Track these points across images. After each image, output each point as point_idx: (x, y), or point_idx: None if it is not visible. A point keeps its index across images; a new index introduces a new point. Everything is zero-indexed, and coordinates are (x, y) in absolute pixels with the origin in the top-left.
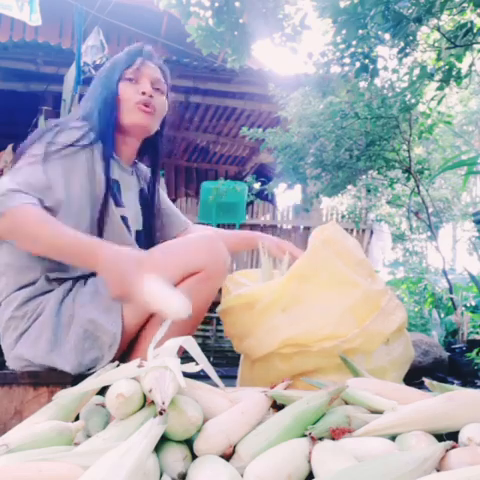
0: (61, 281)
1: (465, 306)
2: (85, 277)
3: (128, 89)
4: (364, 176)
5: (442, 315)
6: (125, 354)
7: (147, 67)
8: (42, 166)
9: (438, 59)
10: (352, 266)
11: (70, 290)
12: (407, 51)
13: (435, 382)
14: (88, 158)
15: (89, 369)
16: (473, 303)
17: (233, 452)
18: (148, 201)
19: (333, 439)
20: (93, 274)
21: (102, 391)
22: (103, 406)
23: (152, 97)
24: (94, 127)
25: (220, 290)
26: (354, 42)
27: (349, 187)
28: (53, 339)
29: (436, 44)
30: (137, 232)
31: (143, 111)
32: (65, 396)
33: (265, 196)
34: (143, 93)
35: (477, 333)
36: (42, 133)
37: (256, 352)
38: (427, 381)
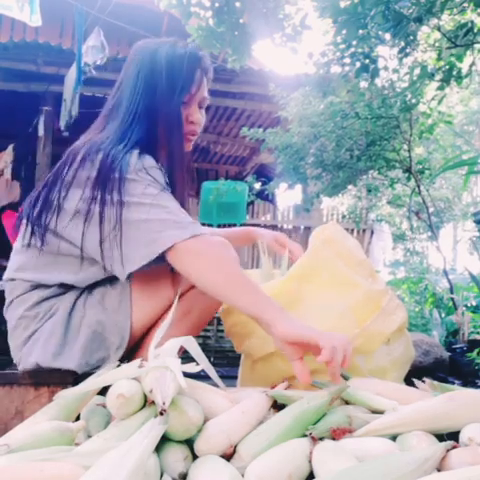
0: (74, 286)
1: (466, 306)
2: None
3: (194, 118)
4: (365, 176)
5: (443, 315)
6: (131, 356)
7: (202, 87)
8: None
9: (439, 59)
10: (353, 266)
11: (82, 293)
12: (407, 51)
13: (436, 382)
14: None
15: (94, 369)
16: (474, 303)
17: (234, 452)
18: None
19: (334, 439)
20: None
21: (103, 391)
22: (104, 406)
23: (200, 125)
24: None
25: None
26: (354, 42)
27: (350, 187)
28: (62, 341)
29: (436, 44)
30: None
31: (189, 141)
32: (66, 396)
33: (265, 196)
34: (192, 122)
35: (478, 333)
36: (116, 162)
37: (257, 352)
38: (428, 381)
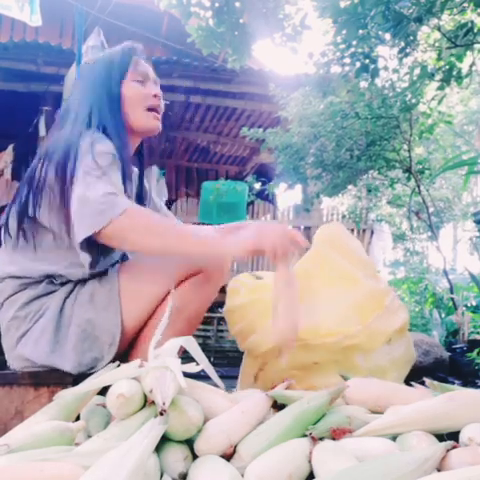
0: (63, 283)
1: (466, 306)
2: (85, 280)
3: (137, 91)
4: (365, 176)
5: (443, 315)
6: (126, 354)
7: (147, 66)
8: (108, 177)
9: (439, 59)
10: (356, 265)
11: (72, 291)
12: (407, 51)
13: (436, 382)
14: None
15: (90, 369)
16: (474, 303)
17: (234, 452)
18: (140, 200)
19: (334, 439)
20: (93, 277)
21: (103, 391)
22: (104, 406)
23: (160, 99)
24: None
25: (223, 289)
26: (354, 42)
27: (350, 187)
28: (54, 340)
29: (437, 44)
30: None
31: (157, 118)
32: (66, 396)
33: (265, 196)
34: (155, 96)
35: (478, 333)
36: (71, 147)
37: (260, 347)
38: (428, 381)
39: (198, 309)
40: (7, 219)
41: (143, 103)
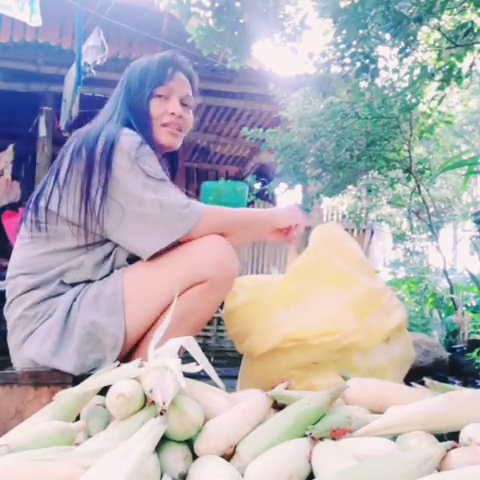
0: (74, 284)
1: (466, 306)
2: (93, 281)
3: (158, 107)
4: (365, 176)
5: (443, 315)
6: (128, 356)
7: (178, 82)
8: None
9: (439, 59)
10: (353, 265)
11: (79, 293)
12: (407, 51)
13: (436, 382)
14: None
15: (91, 370)
16: (474, 303)
17: (234, 452)
18: None
19: (334, 439)
20: (100, 278)
21: (103, 391)
22: (104, 406)
23: (181, 117)
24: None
25: None
26: (354, 42)
27: (350, 187)
28: (59, 341)
29: (437, 44)
30: None
31: (171, 134)
32: (66, 396)
33: (265, 196)
34: (172, 114)
35: (478, 333)
36: (106, 144)
37: (258, 349)
38: (428, 381)
39: (201, 318)
40: (25, 215)
41: (160, 120)
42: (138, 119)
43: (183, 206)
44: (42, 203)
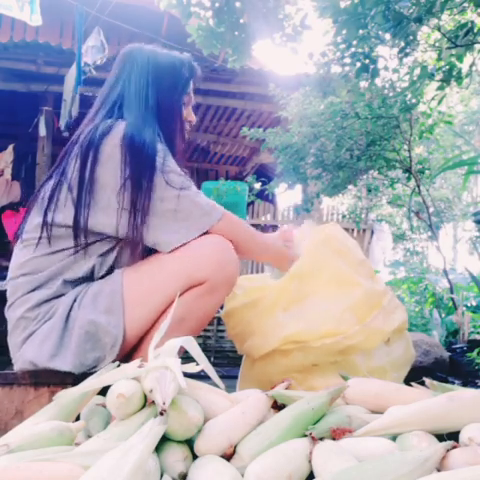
0: (75, 284)
1: (466, 306)
2: (92, 281)
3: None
4: (365, 176)
5: (443, 315)
6: (128, 356)
7: (192, 91)
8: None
9: (439, 59)
10: (353, 265)
11: (78, 294)
12: (408, 51)
13: (436, 382)
14: None
15: (91, 369)
16: (474, 303)
17: (234, 452)
18: None
19: (334, 439)
20: (101, 277)
21: (103, 391)
22: (104, 406)
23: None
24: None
25: None
26: (354, 42)
27: (350, 187)
28: (58, 343)
29: (437, 44)
30: None
31: (184, 141)
32: (66, 396)
33: (266, 196)
34: (190, 122)
35: (478, 333)
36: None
37: (259, 351)
38: (428, 381)
39: (200, 321)
40: (27, 215)
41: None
42: (170, 122)
43: (206, 202)
44: (54, 214)
